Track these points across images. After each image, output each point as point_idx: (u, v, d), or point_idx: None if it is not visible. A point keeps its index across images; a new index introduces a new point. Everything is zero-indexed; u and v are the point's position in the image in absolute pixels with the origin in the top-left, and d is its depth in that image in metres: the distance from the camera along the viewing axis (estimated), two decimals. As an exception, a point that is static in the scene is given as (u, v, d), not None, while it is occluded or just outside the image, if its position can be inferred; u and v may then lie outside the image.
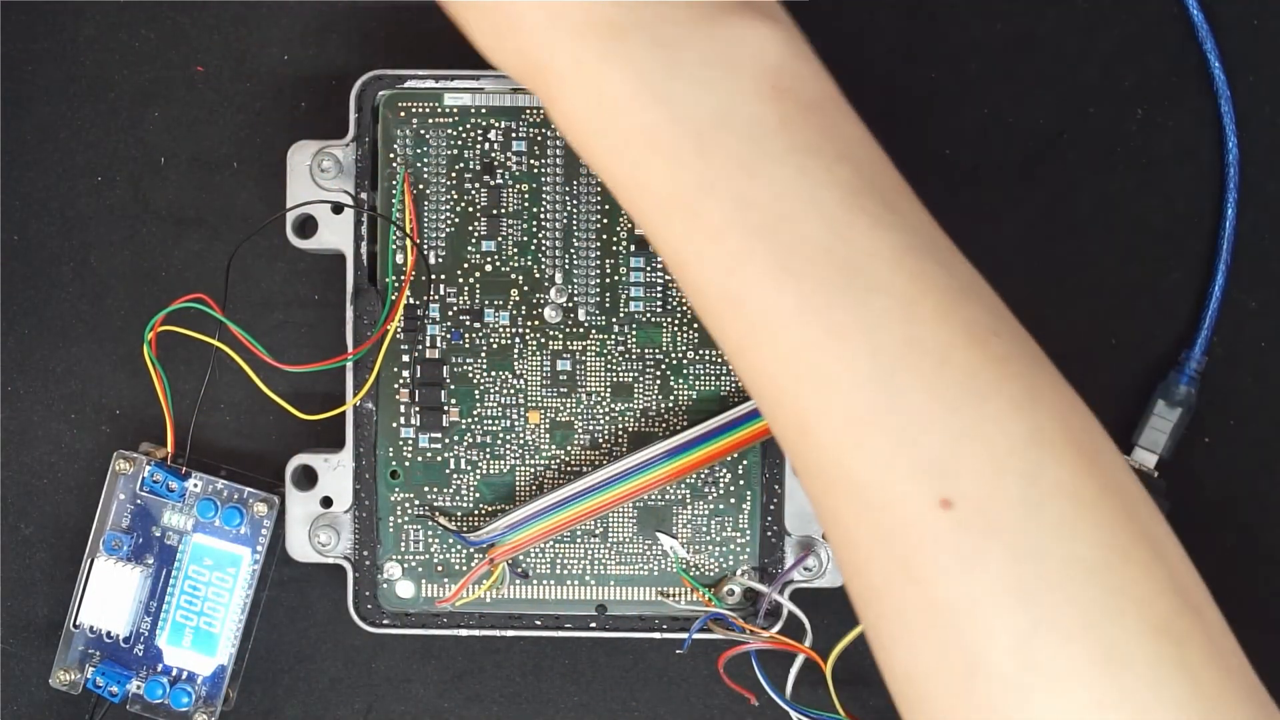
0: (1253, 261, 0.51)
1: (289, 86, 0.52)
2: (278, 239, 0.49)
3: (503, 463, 0.49)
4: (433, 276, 0.49)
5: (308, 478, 0.49)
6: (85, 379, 0.52)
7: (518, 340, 0.49)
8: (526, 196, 0.49)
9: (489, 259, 0.49)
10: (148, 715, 0.50)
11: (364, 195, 0.49)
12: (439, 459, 0.49)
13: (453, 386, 0.49)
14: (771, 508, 0.49)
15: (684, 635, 0.49)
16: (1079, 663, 0.32)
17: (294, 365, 0.50)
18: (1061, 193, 0.51)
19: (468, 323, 0.49)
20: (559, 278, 0.49)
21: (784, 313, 0.34)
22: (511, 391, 0.49)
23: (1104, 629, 0.32)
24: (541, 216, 0.49)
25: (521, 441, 0.49)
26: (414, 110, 0.48)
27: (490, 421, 0.49)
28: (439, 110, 0.49)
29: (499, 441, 0.49)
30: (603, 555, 0.49)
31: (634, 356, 0.49)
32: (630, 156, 0.36)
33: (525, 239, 0.49)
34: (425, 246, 0.49)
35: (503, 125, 0.49)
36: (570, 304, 0.49)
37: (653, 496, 0.49)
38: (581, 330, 0.49)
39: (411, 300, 0.49)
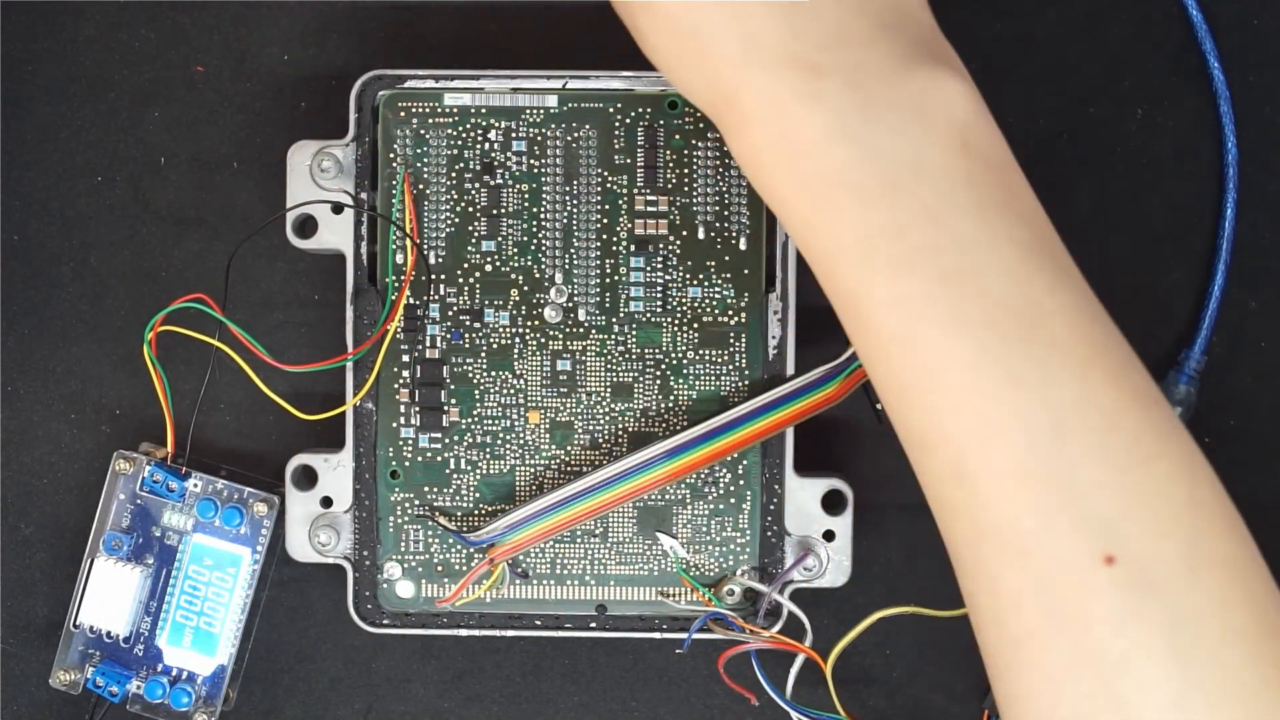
0: (1253, 261, 0.51)
1: (289, 86, 0.52)
2: (278, 239, 0.49)
3: (503, 463, 0.49)
4: (433, 276, 0.49)
5: (308, 478, 0.49)
6: (85, 379, 0.52)
7: (518, 340, 0.49)
8: (526, 196, 0.49)
9: (489, 259, 0.49)
10: (148, 715, 0.50)
11: (364, 195, 0.49)
12: (439, 459, 0.49)
13: (453, 386, 0.49)
14: (771, 508, 0.49)
15: (684, 635, 0.49)
16: None
17: (294, 365, 0.50)
18: (1061, 193, 0.51)
19: (468, 323, 0.49)
20: (559, 278, 0.49)
21: (960, 360, 0.35)
22: (511, 391, 0.49)
23: (1253, 699, 0.34)
24: (541, 216, 0.49)
25: (521, 441, 0.49)
26: (414, 110, 0.49)
27: (490, 421, 0.49)
28: (439, 110, 0.49)
29: (499, 441, 0.49)
30: (603, 555, 0.49)
31: (634, 356, 0.49)
32: (816, 194, 0.37)
33: (525, 239, 0.49)
34: (425, 246, 0.49)
35: (503, 125, 0.49)
36: (570, 304, 0.49)
37: (653, 496, 0.49)
38: (581, 330, 0.49)
39: (411, 300, 0.49)
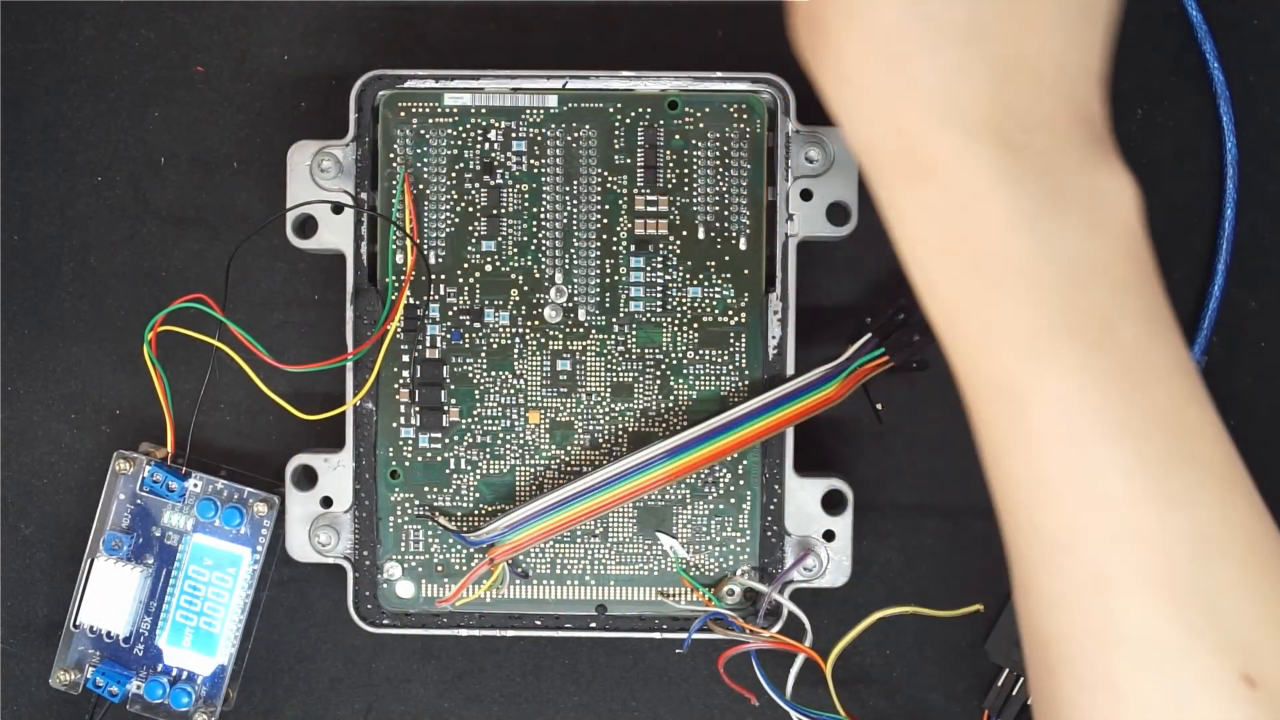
0: (1253, 261, 0.51)
1: (289, 86, 0.52)
2: (278, 239, 0.49)
3: (503, 463, 0.49)
4: (433, 276, 0.49)
5: (308, 478, 0.49)
6: (85, 379, 0.52)
7: (518, 340, 0.49)
8: (526, 196, 0.49)
9: (489, 259, 0.49)
10: (148, 715, 0.50)
11: (364, 195, 0.49)
12: (439, 459, 0.49)
13: (453, 386, 0.49)
14: (771, 508, 0.49)
15: (684, 635, 0.49)
16: None
17: (294, 365, 0.50)
18: (1061, 193, 0.51)
19: (468, 323, 0.49)
20: (559, 278, 0.49)
21: (1118, 467, 0.35)
22: (511, 391, 0.49)
23: None
24: (541, 216, 0.49)
25: (521, 441, 0.49)
26: (414, 110, 0.49)
27: (490, 421, 0.49)
28: (439, 110, 0.49)
29: (499, 441, 0.49)
30: (603, 555, 0.49)
31: (634, 356, 0.49)
32: (987, 276, 0.36)
33: (525, 239, 0.49)
34: (425, 246, 0.49)
35: (503, 125, 0.49)
36: (570, 304, 0.49)
37: (653, 496, 0.49)
38: (581, 330, 0.49)
39: (411, 300, 0.49)
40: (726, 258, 0.48)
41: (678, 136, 0.48)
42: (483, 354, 0.49)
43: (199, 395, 0.51)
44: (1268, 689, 0.34)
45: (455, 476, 0.49)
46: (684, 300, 0.49)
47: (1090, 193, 0.36)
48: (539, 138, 0.49)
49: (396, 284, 0.48)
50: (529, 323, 0.49)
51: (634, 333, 0.49)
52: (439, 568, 0.49)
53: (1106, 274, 0.36)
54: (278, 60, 0.52)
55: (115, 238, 0.52)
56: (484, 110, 0.49)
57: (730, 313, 0.49)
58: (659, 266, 0.49)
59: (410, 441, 0.49)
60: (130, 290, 0.52)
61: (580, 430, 0.49)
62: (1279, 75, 0.51)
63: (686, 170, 0.48)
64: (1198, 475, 0.36)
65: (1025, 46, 0.36)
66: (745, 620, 0.48)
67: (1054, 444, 0.36)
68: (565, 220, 0.49)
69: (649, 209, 0.49)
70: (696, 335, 0.49)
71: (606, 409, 0.49)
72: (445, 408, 0.49)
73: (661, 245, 0.49)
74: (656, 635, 0.49)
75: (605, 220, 0.49)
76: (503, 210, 0.49)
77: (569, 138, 0.49)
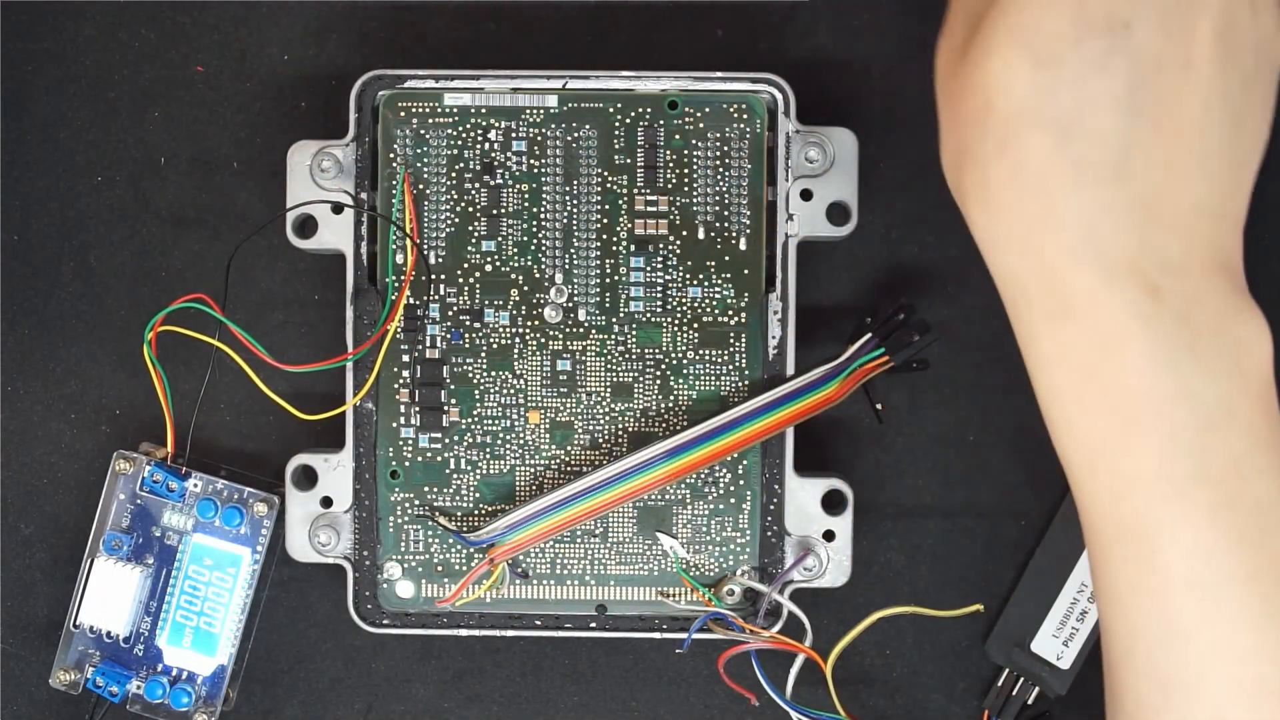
0: (1253, 261, 0.51)
1: (289, 86, 0.52)
2: (278, 239, 0.49)
3: (503, 463, 0.49)
4: (433, 276, 0.49)
5: (308, 478, 0.49)
6: (85, 379, 0.52)
7: (518, 340, 0.49)
8: (526, 196, 0.49)
9: (489, 259, 0.49)
10: (148, 715, 0.50)
11: (364, 195, 0.49)
12: (439, 459, 0.49)
13: (453, 386, 0.49)
14: (771, 508, 0.49)
15: (684, 635, 0.49)
16: None
17: (294, 365, 0.50)
18: (1061, 193, 0.51)
19: (468, 323, 0.49)
20: (559, 278, 0.49)
21: (1247, 618, 0.36)
22: (511, 391, 0.49)
23: None
24: (541, 216, 0.49)
25: (521, 441, 0.49)
26: (414, 110, 0.49)
27: (490, 421, 0.49)
28: (439, 110, 0.49)
29: (499, 441, 0.49)
30: (603, 555, 0.49)
31: (634, 356, 0.49)
32: (1124, 416, 0.36)
33: (525, 239, 0.49)
34: (425, 246, 0.49)
35: (503, 125, 0.49)
36: (570, 304, 0.49)
37: (653, 496, 0.49)
38: (581, 330, 0.49)
39: (411, 300, 0.49)
40: (726, 258, 0.48)
41: (678, 136, 0.48)
42: (483, 354, 0.49)
43: (199, 395, 0.51)
44: None
45: (455, 476, 0.49)
46: (684, 300, 0.49)
47: (1227, 339, 0.36)
48: (539, 138, 0.49)
49: (396, 284, 0.48)
50: (529, 323, 0.49)
51: (634, 333, 0.49)
52: (439, 568, 0.49)
53: (1241, 422, 0.36)
54: (278, 60, 0.52)
55: (115, 238, 0.52)
56: (484, 110, 0.49)
57: (730, 313, 0.49)
58: (659, 266, 0.49)
59: (410, 441, 0.49)
60: (130, 290, 0.52)
61: (580, 430, 0.49)
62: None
63: (686, 170, 0.48)
64: None
65: (1169, 189, 0.36)
66: (745, 620, 0.48)
67: (1182, 590, 0.36)
68: (565, 220, 0.49)
69: (649, 209, 0.49)
70: (696, 335, 0.49)
71: (606, 409, 0.49)
72: (445, 408, 0.49)
73: (661, 245, 0.49)
74: (656, 635, 0.49)
75: (605, 220, 0.49)
76: (503, 210, 0.49)
77: (569, 138, 0.49)
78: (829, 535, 0.49)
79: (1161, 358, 0.36)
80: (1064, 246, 0.36)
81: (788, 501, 0.49)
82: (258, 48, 0.52)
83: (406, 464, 0.49)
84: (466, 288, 0.49)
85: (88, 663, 0.50)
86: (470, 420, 0.49)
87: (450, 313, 0.49)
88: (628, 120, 0.49)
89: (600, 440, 0.49)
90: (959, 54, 0.38)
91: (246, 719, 0.52)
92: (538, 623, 0.49)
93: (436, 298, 0.49)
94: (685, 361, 0.49)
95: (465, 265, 0.49)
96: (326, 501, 0.49)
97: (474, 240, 0.49)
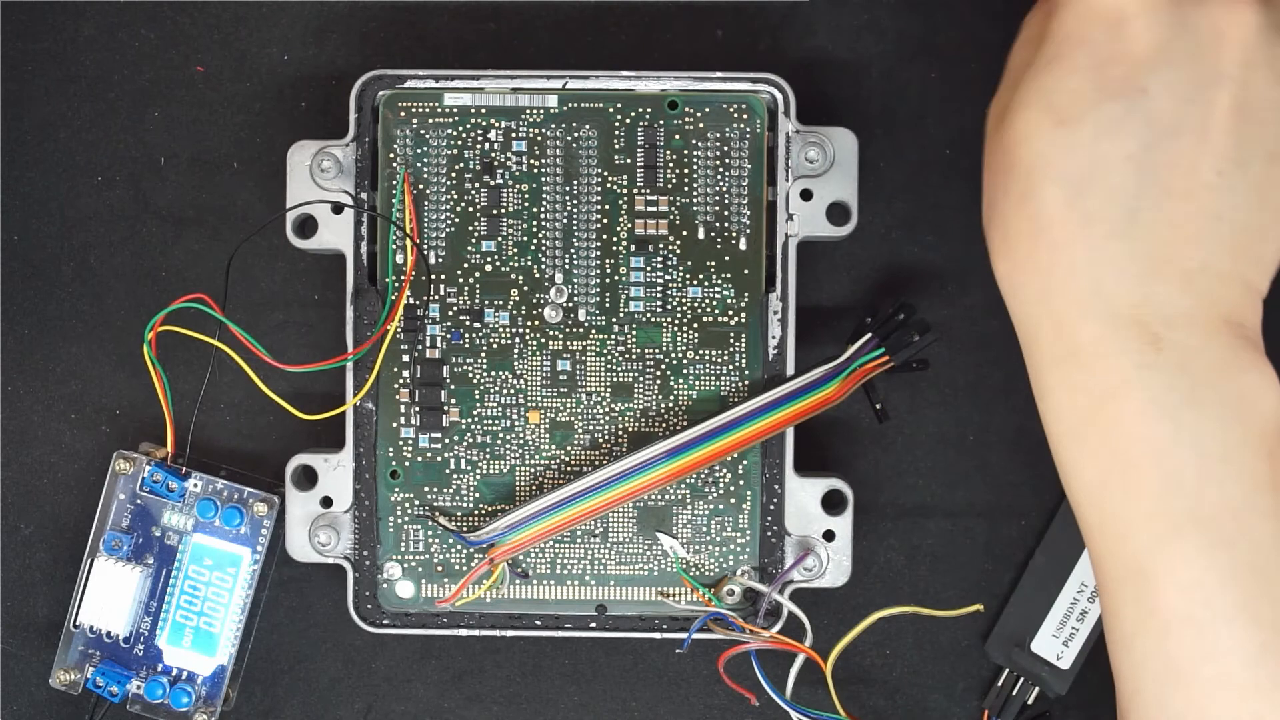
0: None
1: (289, 86, 0.52)
2: (278, 239, 0.49)
3: (503, 463, 0.49)
4: (433, 276, 0.49)
5: (308, 478, 0.49)
6: (85, 379, 0.52)
7: (518, 340, 0.49)
8: (526, 196, 0.49)
9: (489, 259, 0.49)
10: (148, 715, 0.50)
11: (364, 195, 0.49)
12: (439, 459, 0.49)
13: (453, 386, 0.49)
14: (771, 508, 0.49)
15: (684, 635, 0.49)
16: None
17: (294, 365, 0.50)
18: (1061, 193, 0.51)
19: (468, 323, 0.49)
20: (559, 278, 0.49)
21: (1243, 654, 0.37)
22: (511, 391, 0.49)
23: None
24: (541, 216, 0.49)
25: (521, 441, 0.49)
26: (414, 110, 0.49)
27: (490, 421, 0.49)
28: (439, 110, 0.49)
29: (499, 441, 0.49)
30: (603, 555, 0.49)
31: (634, 356, 0.49)
32: (1124, 460, 0.38)
33: (525, 239, 0.49)
34: (425, 246, 0.49)
35: (503, 125, 0.49)
36: (570, 304, 0.49)
37: (653, 496, 0.49)
38: (581, 330, 0.49)
39: (411, 300, 0.49)
40: (726, 258, 0.48)
41: (678, 136, 0.48)
42: (483, 354, 0.49)
43: (199, 395, 0.51)
44: None
45: (455, 476, 0.49)
46: (684, 300, 0.49)
47: (1231, 390, 0.37)
48: (539, 138, 0.49)
49: (396, 284, 0.48)
50: (529, 323, 0.49)
51: (634, 333, 0.49)
52: (439, 568, 0.49)
53: (1239, 468, 0.37)
54: (278, 60, 0.52)
55: (115, 238, 0.52)
56: (484, 110, 0.49)
57: (730, 313, 0.49)
58: (659, 266, 0.49)
59: (410, 441, 0.49)
60: (130, 290, 0.52)
61: (580, 430, 0.49)
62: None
63: (686, 170, 0.48)
64: None
65: (1175, 247, 0.38)
66: (745, 620, 0.48)
67: (1179, 627, 0.37)
68: (565, 220, 0.49)
69: (649, 209, 0.49)
70: (696, 335, 0.49)
71: (606, 409, 0.49)
72: (445, 408, 0.49)
73: (661, 245, 0.49)
74: (656, 635, 0.49)
75: (605, 220, 0.49)
76: (503, 210, 0.49)
77: (569, 138, 0.49)
78: (829, 535, 0.49)
79: (1159, 404, 0.37)
80: (1073, 295, 0.38)
81: (788, 501, 0.49)
82: (258, 48, 0.52)
83: (406, 464, 0.49)
84: (466, 288, 0.49)
85: (88, 663, 0.50)
86: (470, 420, 0.49)
87: (450, 313, 0.49)
88: (628, 120, 0.49)
89: (600, 440, 0.49)
90: (1000, 116, 0.40)
91: (246, 719, 0.52)
92: (538, 623, 0.49)
93: (436, 298, 0.49)
94: (685, 361, 0.49)
95: (465, 265, 0.49)
96: (326, 501, 0.49)
97: (474, 240, 0.49)
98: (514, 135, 0.49)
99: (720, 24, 0.51)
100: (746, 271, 0.48)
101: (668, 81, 0.48)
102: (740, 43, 0.51)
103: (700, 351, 0.49)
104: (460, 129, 0.49)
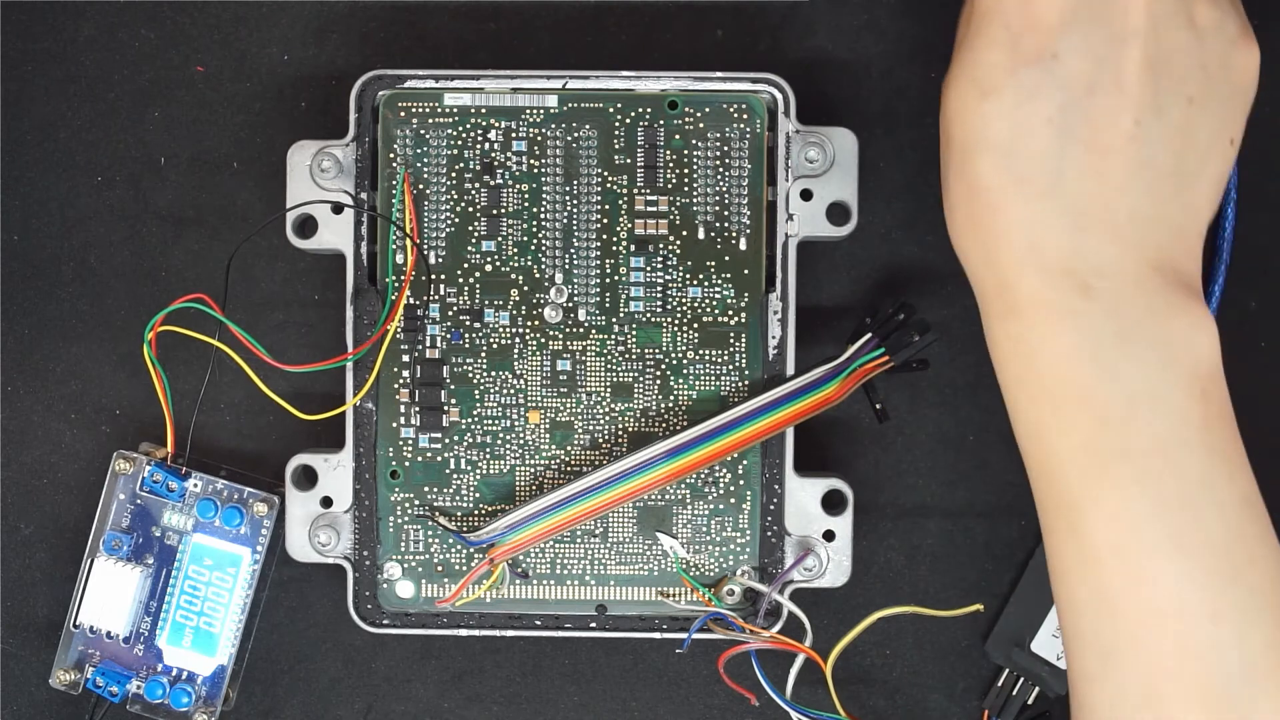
0: (1253, 261, 0.51)
1: (289, 86, 0.52)
2: (278, 239, 0.49)
3: (503, 463, 0.49)
4: (433, 276, 0.49)
5: (308, 478, 0.49)
6: (85, 379, 0.52)
7: (518, 340, 0.49)
8: (526, 196, 0.49)
9: (489, 259, 0.49)
10: (148, 715, 0.50)
11: (364, 195, 0.49)
12: (439, 459, 0.49)
13: (453, 386, 0.49)
14: (771, 508, 0.49)
15: (684, 635, 0.49)
16: None
17: (294, 365, 0.50)
18: (1061, 193, 0.51)
19: (468, 323, 0.49)
20: (559, 278, 0.49)
21: (1168, 582, 0.38)
22: (511, 391, 0.49)
23: None
24: (541, 216, 0.49)
25: (521, 441, 0.49)
26: (414, 110, 0.49)
27: (490, 421, 0.49)
28: (439, 110, 0.49)
29: (499, 441, 0.49)
30: (603, 555, 0.49)
31: (634, 356, 0.49)
32: (1055, 402, 0.40)
33: (525, 239, 0.49)
34: (425, 246, 0.49)
35: (503, 125, 0.49)
36: (570, 304, 0.49)
37: (653, 496, 0.49)
38: (581, 330, 0.49)
39: (411, 300, 0.49)
40: (726, 258, 0.48)
41: (678, 136, 0.48)
42: (483, 354, 0.49)
43: (199, 395, 0.51)
44: None
45: (455, 476, 0.49)
46: (684, 300, 0.49)
47: (1161, 334, 0.39)
48: (539, 138, 0.49)
49: (396, 284, 0.48)
50: (529, 323, 0.49)
51: (634, 333, 0.49)
52: (439, 568, 0.49)
53: (1170, 408, 0.39)
54: (278, 60, 0.52)
55: (115, 238, 0.52)
56: (484, 110, 0.49)
57: (730, 313, 0.49)
58: (659, 266, 0.49)
59: (410, 441, 0.49)
60: (130, 290, 0.52)
61: (580, 430, 0.49)
62: (1279, 75, 0.51)
63: (686, 170, 0.48)
64: (1247, 601, 0.38)
65: (1102, 200, 0.40)
66: (745, 620, 0.48)
67: (1108, 557, 0.39)
68: (565, 220, 0.49)
69: (649, 209, 0.49)
70: (696, 335, 0.49)
71: (606, 409, 0.49)
72: (445, 408, 0.49)
73: (661, 245, 0.49)
74: (656, 635, 0.49)
75: (605, 220, 0.49)
76: (503, 210, 0.49)
77: (569, 138, 0.49)
78: (829, 535, 0.49)
79: (1088, 348, 0.39)
80: (1011, 254, 0.40)
81: (788, 501, 0.49)
82: (258, 48, 0.52)
83: (406, 464, 0.49)
84: (466, 288, 0.49)
85: (88, 663, 0.50)
86: (470, 420, 0.49)
87: (450, 313, 0.49)
88: (628, 120, 0.49)
89: (600, 440, 0.49)
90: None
91: (246, 719, 0.52)
92: (538, 623, 0.49)
93: (436, 298, 0.49)
94: (685, 361, 0.49)
95: (465, 265, 0.49)
96: (326, 501, 0.49)
97: (474, 240, 0.49)
98: (514, 135, 0.49)
99: (720, 24, 0.51)
100: (746, 271, 0.48)
101: (668, 81, 0.48)
102: (740, 43, 0.51)
103: (700, 351, 0.49)
104: (460, 129, 0.49)
